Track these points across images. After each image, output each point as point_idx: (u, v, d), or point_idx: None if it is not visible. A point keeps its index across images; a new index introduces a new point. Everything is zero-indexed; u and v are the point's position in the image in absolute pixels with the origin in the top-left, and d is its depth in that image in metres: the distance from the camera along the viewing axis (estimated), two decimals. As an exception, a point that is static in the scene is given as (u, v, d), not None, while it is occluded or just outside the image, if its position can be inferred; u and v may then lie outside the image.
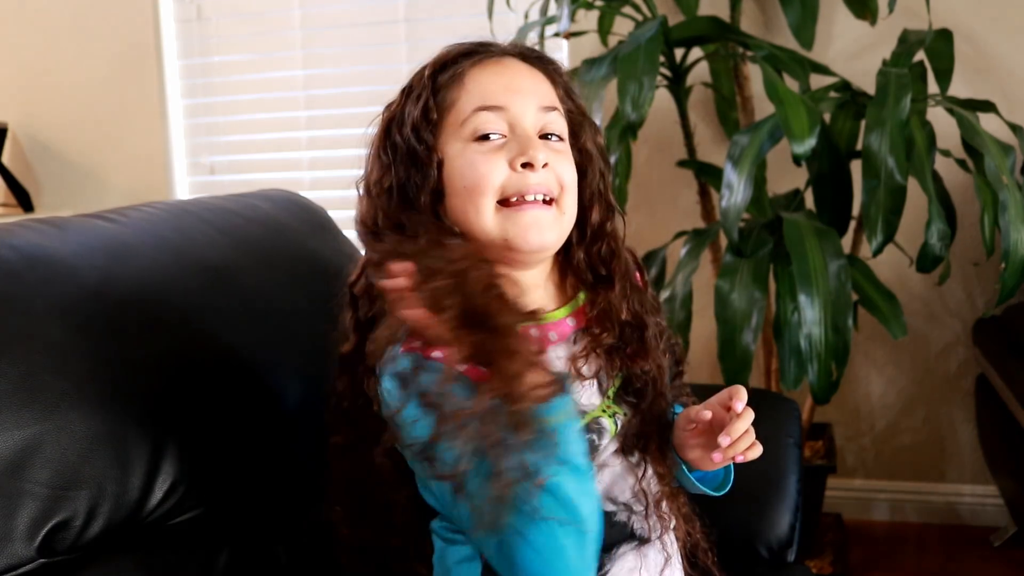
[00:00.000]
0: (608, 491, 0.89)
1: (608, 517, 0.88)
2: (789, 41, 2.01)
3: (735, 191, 1.61)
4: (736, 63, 2.04)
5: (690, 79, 2.01)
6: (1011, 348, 1.88)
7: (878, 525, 2.30)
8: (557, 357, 0.87)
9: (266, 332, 1.05)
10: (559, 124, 0.89)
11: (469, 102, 0.86)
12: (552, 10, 1.94)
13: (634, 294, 0.92)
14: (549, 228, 0.86)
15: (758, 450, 0.85)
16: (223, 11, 2.68)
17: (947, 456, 2.28)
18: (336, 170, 2.57)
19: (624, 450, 0.90)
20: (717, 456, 0.84)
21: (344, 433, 0.91)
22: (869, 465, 2.32)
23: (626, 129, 1.66)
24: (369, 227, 0.87)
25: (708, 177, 1.98)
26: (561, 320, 0.90)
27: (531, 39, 1.94)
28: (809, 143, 1.54)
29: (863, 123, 1.64)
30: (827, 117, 1.78)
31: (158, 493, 0.90)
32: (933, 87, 1.83)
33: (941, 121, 1.73)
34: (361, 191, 0.89)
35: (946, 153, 1.75)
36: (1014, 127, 1.72)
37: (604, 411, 0.88)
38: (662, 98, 1.93)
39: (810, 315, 1.54)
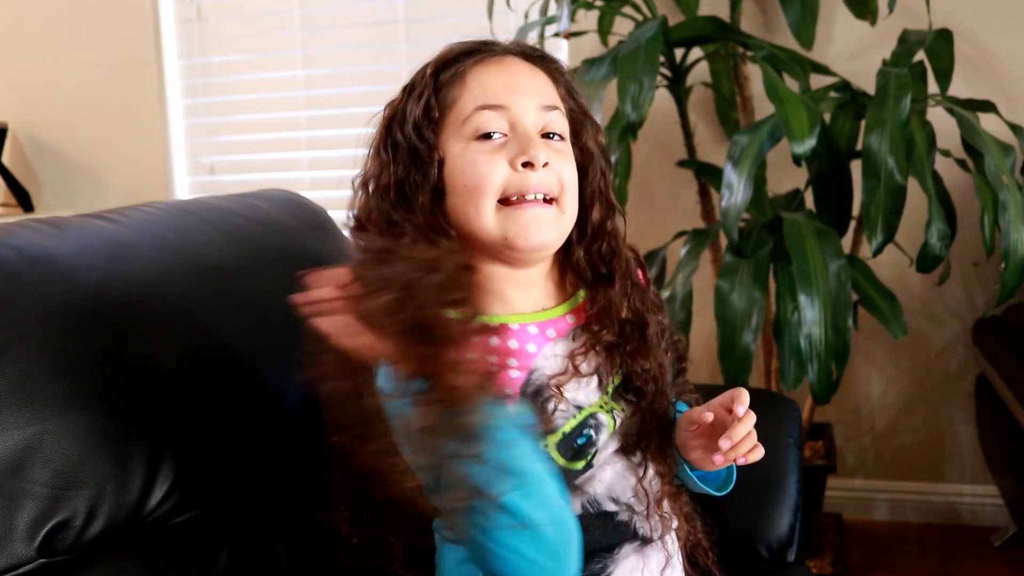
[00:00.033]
0: (610, 491, 0.89)
1: (610, 517, 0.88)
2: (789, 41, 2.01)
3: (735, 191, 1.61)
4: (736, 63, 2.04)
5: (690, 79, 2.01)
6: (1011, 348, 1.88)
7: (878, 525, 2.30)
8: (555, 354, 0.87)
9: (266, 332, 1.05)
10: (560, 123, 0.89)
11: (471, 101, 0.86)
12: (552, 10, 1.94)
13: (635, 292, 0.92)
14: (549, 227, 0.86)
15: (760, 452, 0.85)
16: (223, 11, 2.68)
17: (947, 456, 2.28)
18: (336, 170, 2.55)
19: (625, 449, 0.90)
20: (718, 458, 0.84)
21: (344, 433, 0.91)
22: (869, 465, 2.32)
23: (626, 129, 1.66)
24: (359, 222, 0.87)
25: (708, 177, 1.98)
26: (560, 317, 0.90)
27: (531, 39, 1.93)
28: (809, 143, 1.54)
29: (863, 123, 1.64)
30: (827, 117, 1.77)
31: (158, 493, 0.90)
32: (933, 87, 1.83)
33: (941, 121, 1.73)
34: (357, 187, 0.89)
35: (946, 153, 1.75)
36: (1014, 127, 1.72)
37: (602, 407, 0.88)
38: (662, 98, 1.93)
39: (810, 315, 1.54)
